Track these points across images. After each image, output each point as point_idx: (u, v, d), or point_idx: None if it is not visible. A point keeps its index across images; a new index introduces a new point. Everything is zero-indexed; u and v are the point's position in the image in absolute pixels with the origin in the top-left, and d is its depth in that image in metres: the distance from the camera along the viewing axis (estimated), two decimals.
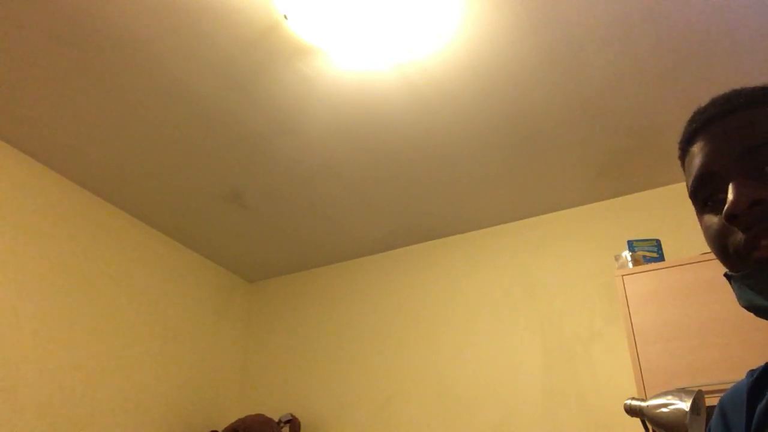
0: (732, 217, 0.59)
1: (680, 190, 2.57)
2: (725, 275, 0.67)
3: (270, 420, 2.71)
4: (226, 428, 2.70)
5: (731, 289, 0.68)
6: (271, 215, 2.87)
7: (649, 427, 1.67)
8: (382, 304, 3.04)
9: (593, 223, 2.69)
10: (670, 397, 1.57)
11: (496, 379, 2.58)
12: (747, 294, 0.62)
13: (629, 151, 2.41)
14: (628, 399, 1.68)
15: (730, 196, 0.59)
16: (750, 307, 0.63)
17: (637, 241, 2.19)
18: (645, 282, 2.01)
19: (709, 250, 2.21)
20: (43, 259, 2.40)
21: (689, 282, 1.94)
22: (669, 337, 1.90)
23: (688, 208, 2.50)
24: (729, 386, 0.78)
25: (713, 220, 0.65)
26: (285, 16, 1.83)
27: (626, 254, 2.14)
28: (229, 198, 2.74)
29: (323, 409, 2.92)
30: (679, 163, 0.73)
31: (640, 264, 2.11)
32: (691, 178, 0.67)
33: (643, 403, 1.63)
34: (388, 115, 2.24)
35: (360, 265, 3.22)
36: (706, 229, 0.67)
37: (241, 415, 2.98)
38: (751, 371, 0.74)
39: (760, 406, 0.68)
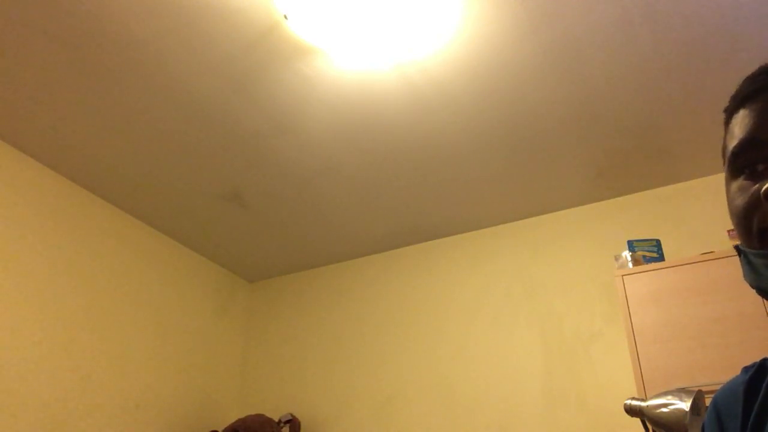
0: None
1: (680, 190, 2.56)
2: (736, 248, 0.64)
3: (270, 420, 2.71)
4: (226, 428, 2.70)
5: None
6: (271, 215, 2.87)
7: (649, 427, 1.67)
8: (382, 304, 3.04)
9: (593, 223, 2.69)
10: (670, 397, 1.57)
11: (496, 379, 2.58)
12: (762, 274, 0.59)
13: (629, 151, 2.41)
14: (628, 399, 1.68)
15: None
16: (759, 289, 0.61)
17: (637, 241, 2.19)
18: (645, 282, 2.01)
19: (709, 250, 2.21)
20: (43, 259, 2.40)
21: (689, 282, 1.94)
22: (669, 337, 1.90)
23: (688, 208, 2.50)
24: None
25: (746, 189, 0.61)
26: (285, 16, 1.83)
27: (626, 254, 2.14)
28: (229, 198, 2.74)
29: (323, 409, 2.92)
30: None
31: (640, 264, 2.11)
32: (735, 140, 0.62)
33: (643, 403, 1.63)
34: (388, 115, 2.24)
35: (360, 265, 3.22)
36: (733, 197, 0.63)
37: (241, 415, 2.98)
38: (746, 368, 0.72)
39: (756, 404, 0.67)
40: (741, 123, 0.62)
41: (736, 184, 0.62)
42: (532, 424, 2.42)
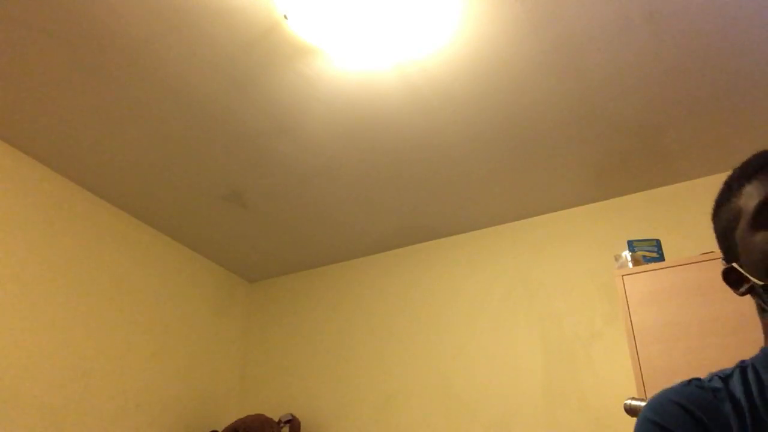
0: None
1: (680, 190, 2.56)
2: (756, 287, 0.75)
3: (270, 420, 2.71)
4: (226, 428, 2.70)
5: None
6: (271, 215, 2.87)
7: None
8: (382, 304, 3.04)
9: (593, 223, 2.69)
10: None
11: (496, 379, 2.58)
12: None
13: (629, 151, 2.41)
14: (628, 399, 1.68)
15: None
16: None
17: (637, 241, 2.19)
18: (645, 282, 2.00)
19: (709, 250, 2.21)
20: (42, 258, 2.40)
21: (689, 282, 1.94)
22: (669, 337, 1.90)
23: (688, 208, 2.50)
24: None
25: None
26: (285, 16, 1.83)
27: (626, 254, 2.14)
28: (229, 198, 2.74)
29: (323, 409, 2.92)
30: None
31: (640, 264, 2.11)
32: (757, 198, 0.78)
33: (642, 403, 1.63)
34: (388, 115, 2.24)
35: (360, 265, 3.22)
36: (760, 244, 0.76)
37: (241, 415, 2.98)
38: (698, 380, 0.79)
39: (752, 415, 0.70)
40: (760, 186, 0.78)
41: (759, 234, 0.76)
42: (532, 424, 2.42)
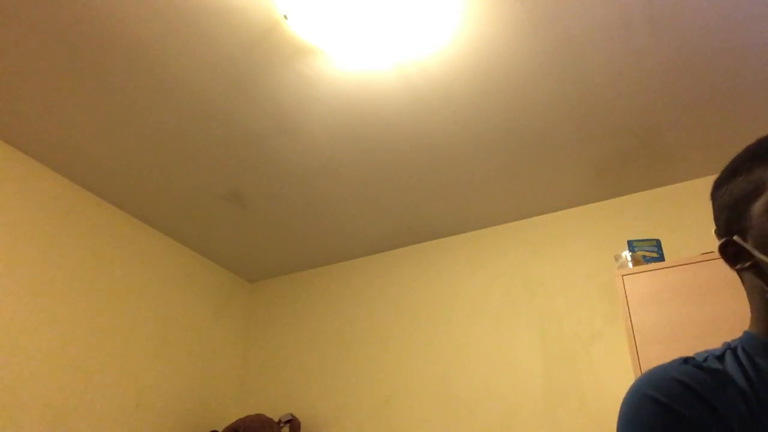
0: None
1: (680, 190, 2.56)
2: None
3: (270, 420, 2.71)
4: (226, 428, 2.70)
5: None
6: (271, 215, 2.87)
7: None
8: (382, 304, 3.04)
9: (593, 223, 2.69)
10: None
11: (496, 379, 2.58)
12: None
13: (629, 151, 2.41)
14: None
15: None
16: None
17: (637, 241, 2.19)
18: (645, 282, 2.00)
19: (709, 250, 2.21)
20: (43, 259, 2.40)
21: (689, 282, 1.94)
22: (669, 337, 1.90)
23: (688, 208, 2.50)
24: None
25: None
26: (285, 16, 1.83)
27: (626, 254, 2.14)
28: (229, 198, 2.74)
29: (323, 409, 2.92)
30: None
31: (640, 264, 2.11)
32: None
33: None
34: (388, 115, 2.24)
35: (360, 265, 3.22)
36: None
37: (241, 415, 2.98)
38: (693, 359, 0.76)
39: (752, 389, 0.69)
40: None
41: None
42: (532, 424, 2.42)
